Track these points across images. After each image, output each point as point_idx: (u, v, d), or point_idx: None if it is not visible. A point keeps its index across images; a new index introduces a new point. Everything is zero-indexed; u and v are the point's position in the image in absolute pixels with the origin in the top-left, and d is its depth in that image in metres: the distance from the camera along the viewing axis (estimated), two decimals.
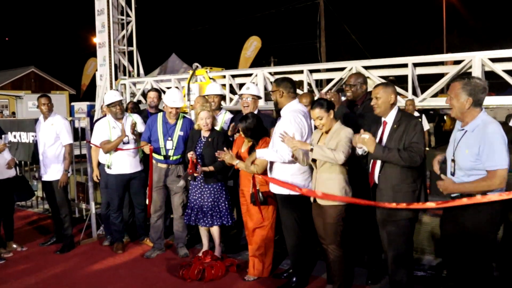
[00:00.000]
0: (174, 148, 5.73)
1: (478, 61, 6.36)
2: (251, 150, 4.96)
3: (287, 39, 36.46)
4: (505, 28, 31.68)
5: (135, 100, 10.42)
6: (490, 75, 6.67)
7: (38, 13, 58.04)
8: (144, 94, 10.65)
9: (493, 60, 6.41)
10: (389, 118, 3.99)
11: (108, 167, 5.99)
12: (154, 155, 5.78)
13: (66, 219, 6.24)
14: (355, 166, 4.50)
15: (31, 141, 7.67)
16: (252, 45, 19.86)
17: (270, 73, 8.30)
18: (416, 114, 7.97)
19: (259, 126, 4.92)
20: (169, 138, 5.70)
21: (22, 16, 50.11)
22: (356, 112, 4.83)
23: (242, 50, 19.88)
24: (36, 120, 6.61)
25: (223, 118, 6.08)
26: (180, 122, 5.82)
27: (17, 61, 37.55)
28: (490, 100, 6.60)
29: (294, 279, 4.79)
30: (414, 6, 37.66)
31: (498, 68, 6.38)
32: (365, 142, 3.84)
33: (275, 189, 4.73)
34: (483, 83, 3.44)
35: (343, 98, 5.22)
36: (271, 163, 4.70)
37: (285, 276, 5.05)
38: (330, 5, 24.21)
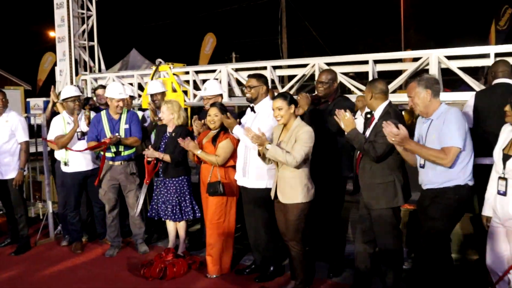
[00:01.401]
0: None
1: (435, 58, 6.55)
2: (213, 141, 4.95)
3: (249, 35, 36.48)
4: (459, 26, 32.80)
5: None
6: (446, 72, 6.92)
7: None
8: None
9: (449, 57, 6.64)
10: (376, 113, 4.13)
11: (65, 164, 5.83)
12: (106, 153, 5.65)
13: (22, 219, 6.01)
14: (328, 157, 4.67)
15: None
16: (209, 42, 20.17)
17: (233, 69, 8.32)
18: (367, 109, 8.21)
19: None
20: (116, 134, 5.58)
21: None
22: (327, 109, 4.83)
23: (201, 46, 20.04)
24: None
25: None
26: (124, 116, 5.72)
27: None
28: (446, 96, 6.83)
29: (271, 268, 4.86)
30: (373, 3, 38.41)
31: (454, 65, 6.61)
32: (344, 120, 3.96)
33: (247, 183, 4.75)
34: (434, 76, 3.75)
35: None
36: (246, 155, 4.71)
37: (248, 272, 5.03)
38: (291, 1, 24.39)
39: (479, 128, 4.64)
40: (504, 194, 3.54)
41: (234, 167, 4.98)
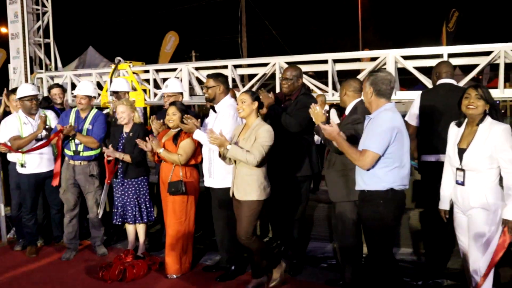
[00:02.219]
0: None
1: (391, 58, 6.72)
2: (174, 140, 4.89)
3: (209, 33, 36.32)
4: (415, 27, 33.77)
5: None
6: (403, 72, 7.12)
7: None
8: (63, 89, 10.18)
9: (405, 57, 6.84)
10: (347, 110, 4.29)
11: (22, 165, 5.61)
12: (66, 151, 5.50)
13: None
14: (290, 156, 4.71)
15: None
16: (171, 40, 19.83)
17: (194, 68, 8.27)
18: (326, 108, 8.39)
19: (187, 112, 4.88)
20: (70, 125, 5.41)
21: None
22: (289, 107, 4.86)
23: (162, 44, 19.72)
24: None
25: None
26: (90, 116, 5.58)
27: None
28: (402, 95, 7.05)
29: (232, 267, 4.83)
30: (332, 3, 38.97)
31: (410, 65, 6.81)
32: (314, 114, 3.97)
33: (213, 183, 4.73)
34: (388, 76, 3.65)
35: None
36: (211, 155, 4.68)
37: (214, 271, 4.99)
38: (251, 0, 24.45)
39: (425, 127, 4.78)
40: (462, 183, 3.66)
41: (195, 166, 4.94)
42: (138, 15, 38.77)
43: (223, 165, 4.57)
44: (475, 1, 33.25)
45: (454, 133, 3.82)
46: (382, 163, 3.55)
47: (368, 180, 3.63)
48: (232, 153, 4.15)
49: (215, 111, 4.78)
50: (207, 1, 28.85)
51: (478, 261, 3.67)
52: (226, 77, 4.85)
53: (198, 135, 4.64)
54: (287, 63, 7.22)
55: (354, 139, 3.90)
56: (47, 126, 5.55)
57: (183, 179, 4.80)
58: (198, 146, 4.86)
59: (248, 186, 4.21)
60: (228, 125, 4.55)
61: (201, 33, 34.86)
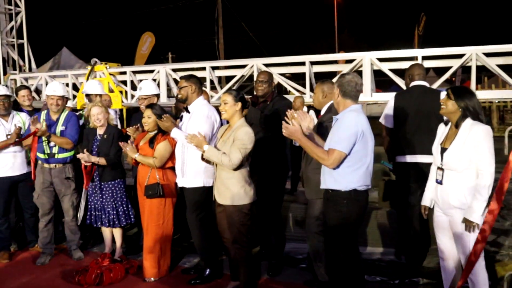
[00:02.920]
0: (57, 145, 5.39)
1: (367, 60, 6.82)
2: (151, 143, 4.84)
3: (185, 35, 36.16)
4: (389, 29, 34.28)
5: None
6: (379, 73, 7.22)
7: None
8: (37, 90, 10.01)
9: (381, 59, 6.94)
10: (322, 111, 4.36)
11: None
12: (39, 154, 5.37)
13: None
14: (267, 156, 4.70)
15: None
16: (147, 41, 19.66)
17: (172, 69, 8.22)
18: (305, 109, 8.44)
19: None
20: (43, 125, 5.28)
21: None
22: (266, 108, 4.90)
23: (138, 45, 19.50)
24: None
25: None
26: (62, 117, 5.48)
27: None
28: (377, 96, 7.16)
29: (207, 271, 4.77)
30: (309, 5, 39.23)
31: (385, 67, 6.92)
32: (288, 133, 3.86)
33: (185, 183, 4.66)
34: (354, 78, 3.72)
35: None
36: (183, 155, 4.61)
37: (192, 273, 4.96)
38: (227, 1, 24.44)
39: (399, 128, 4.84)
40: (440, 182, 3.72)
41: (172, 168, 4.88)
42: (114, 15, 38.31)
43: (195, 164, 4.52)
44: (442, 5, 34.02)
45: (440, 132, 3.88)
46: (346, 162, 3.59)
47: (332, 180, 3.68)
48: (208, 155, 4.10)
49: (188, 112, 4.74)
50: (183, 2, 28.69)
51: (457, 261, 3.73)
52: (198, 78, 4.81)
53: (176, 133, 4.58)
54: (264, 64, 7.25)
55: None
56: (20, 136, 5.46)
57: (160, 182, 4.75)
58: (174, 148, 4.81)
59: (227, 189, 4.14)
60: (202, 125, 4.48)
61: (178, 35, 34.69)
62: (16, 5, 10.47)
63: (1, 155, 5.49)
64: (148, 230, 4.88)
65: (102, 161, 5.14)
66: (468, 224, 3.54)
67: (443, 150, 3.71)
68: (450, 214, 3.69)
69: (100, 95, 6.26)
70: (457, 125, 3.64)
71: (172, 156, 4.83)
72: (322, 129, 4.12)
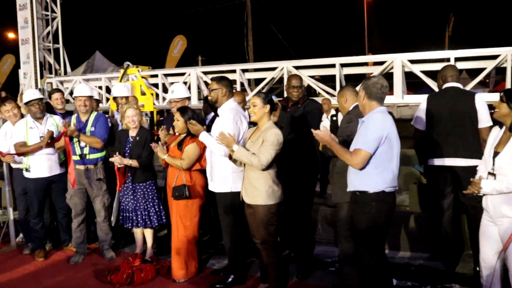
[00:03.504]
0: (87, 145, 5.44)
1: (398, 62, 6.70)
2: (179, 145, 4.86)
3: (215, 38, 36.38)
4: (419, 30, 33.73)
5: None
6: (410, 75, 7.10)
7: None
8: (72, 93, 10.19)
9: (412, 61, 6.82)
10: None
11: (27, 170, 5.59)
12: (72, 156, 5.47)
13: None
14: (298, 159, 4.67)
15: None
16: (178, 44, 19.72)
17: (202, 72, 8.28)
18: (333, 112, 8.37)
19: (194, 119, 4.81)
20: (72, 124, 5.38)
21: None
22: (298, 111, 4.87)
23: (169, 49, 19.62)
24: None
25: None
26: (91, 118, 5.55)
27: None
28: (408, 98, 7.04)
29: (231, 277, 4.74)
30: (338, 7, 38.97)
31: (416, 69, 6.79)
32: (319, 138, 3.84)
33: (214, 187, 4.67)
34: (380, 80, 3.70)
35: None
36: (212, 160, 4.63)
37: (222, 274, 4.96)
38: (256, 4, 24.49)
39: (431, 131, 4.74)
40: None
41: (200, 171, 4.88)
42: (145, 19, 38.91)
43: (223, 169, 4.53)
44: (471, 5, 33.27)
45: (493, 135, 3.74)
46: (372, 163, 3.57)
47: (359, 181, 3.65)
48: (237, 155, 4.10)
49: (217, 115, 4.73)
50: (213, 6, 28.87)
51: (499, 270, 3.58)
52: (229, 80, 4.78)
53: (204, 137, 4.59)
54: (295, 67, 7.22)
55: (349, 140, 3.93)
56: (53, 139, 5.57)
57: (186, 184, 4.77)
58: (203, 151, 4.82)
59: (255, 189, 4.14)
60: (227, 129, 4.43)
61: (207, 38, 34.92)
62: (53, 11, 10.72)
63: (35, 157, 5.59)
64: (175, 232, 4.91)
65: (134, 163, 5.19)
66: None
67: (495, 154, 3.57)
68: (500, 223, 3.52)
69: (127, 97, 6.32)
70: (511, 129, 3.52)
71: (200, 159, 4.84)
72: (343, 131, 4.18)
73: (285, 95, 5.31)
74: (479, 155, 4.40)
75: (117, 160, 5.14)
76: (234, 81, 8.00)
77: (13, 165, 5.88)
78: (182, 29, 23.26)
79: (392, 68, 6.80)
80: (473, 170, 4.41)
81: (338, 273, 4.92)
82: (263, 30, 27.26)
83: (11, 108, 5.80)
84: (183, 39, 19.84)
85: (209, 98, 4.75)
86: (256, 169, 4.08)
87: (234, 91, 7.00)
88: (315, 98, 6.59)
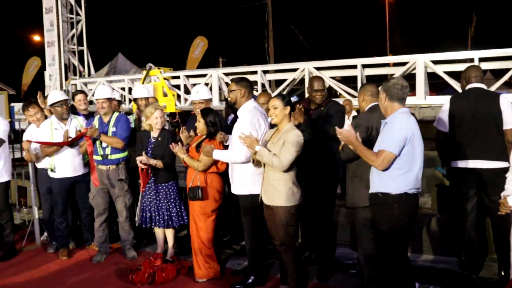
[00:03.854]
0: (109, 146, 5.49)
1: (421, 63, 6.59)
2: (198, 146, 4.87)
3: (235, 39, 36.45)
4: (443, 30, 33.24)
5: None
6: (432, 76, 6.98)
7: None
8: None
9: (435, 62, 6.71)
10: None
11: (52, 170, 5.68)
12: (94, 156, 5.53)
13: (8, 224, 5.85)
14: (320, 161, 4.64)
15: None
16: (199, 46, 19.63)
17: (224, 73, 8.29)
18: (354, 113, 8.29)
19: (216, 123, 4.85)
20: (92, 126, 5.43)
21: None
22: (322, 113, 4.85)
23: (189, 50, 19.61)
24: None
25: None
26: (113, 118, 5.59)
27: None
28: (431, 100, 6.92)
29: (251, 278, 4.73)
30: (358, 7, 38.69)
31: (439, 69, 6.68)
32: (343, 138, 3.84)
33: (234, 189, 4.67)
34: (400, 81, 3.69)
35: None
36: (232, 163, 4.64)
37: (242, 275, 4.95)
38: (277, 5, 24.44)
39: (454, 132, 4.66)
40: None
41: (218, 173, 4.87)
42: (166, 21, 39.22)
43: (242, 172, 4.54)
44: (493, 5, 32.61)
45: None
46: (396, 164, 3.55)
47: (382, 183, 3.62)
48: (259, 155, 4.09)
49: (237, 117, 4.72)
50: (234, 7, 28.92)
51: None
52: (249, 81, 4.75)
53: (217, 154, 4.61)
54: (316, 68, 7.18)
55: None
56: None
57: (201, 185, 4.76)
58: None
59: (275, 191, 4.12)
60: (244, 131, 4.43)
61: (228, 39, 35.01)
62: (77, 14, 10.89)
63: (60, 157, 5.68)
64: (192, 232, 4.92)
65: (159, 163, 5.21)
66: None
67: None
68: None
69: (147, 99, 6.36)
70: None
71: (217, 162, 4.80)
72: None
73: (306, 96, 5.29)
74: (504, 157, 4.33)
75: (143, 159, 5.16)
76: (255, 83, 8.00)
77: (38, 165, 5.97)
78: (203, 30, 23.39)
79: (414, 69, 6.70)
80: (498, 172, 4.34)
81: (359, 275, 4.87)
82: (283, 31, 27.23)
83: (34, 113, 5.92)
84: (204, 40, 19.77)
85: (229, 99, 4.75)
86: (276, 171, 4.07)
87: (259, 91, 7.05)
88: (336, 99, 6.54)
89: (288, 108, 4.16)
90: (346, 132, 3.69)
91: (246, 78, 4.81)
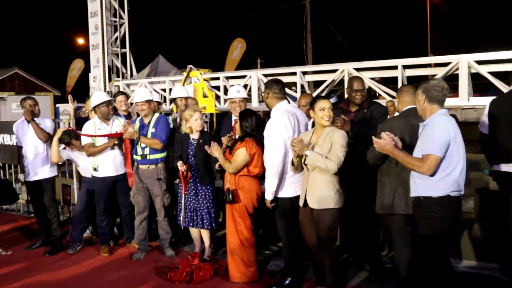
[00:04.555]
0: (148, 146, 5.56)
1: (465, 63, 6.36)
2: (231, 149, 4.87)
3: (273, 40, 36.42)
4: (486, 29, 32.12)
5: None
6: (476, 77, 6.72)
7: (21, 13, 57.10)
8: None
9: (479, 62, 6.46)
10: None
11: (95, 169, 5.81)
12: (134, 156, 5.62)
13: (55, 220, 6.05)
14: (355, 164, 4.50)
15: (15, 143, 7.38)
16: (238, 47, 19.62)
17: (263, 74, 8.27)
18: (396, 114, 8.09)
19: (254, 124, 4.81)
20: (131, 127, 5.53)
21: (5, 16, 49.17)
22: (365, 116, 4.78)
23: (228, 51, 19.63)
24: (18, 122, 6.26)
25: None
26: (153, 119, 5.66)
27: (0, 62, 36.43)
28: (474, 101, 6.67)
29: (288, 280, 4.69)
30: (398, 7, 37.93)
31: (484, 70, 6.43)
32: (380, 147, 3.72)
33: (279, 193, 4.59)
34: (440, 83, 3.62)
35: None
36: None
37: (279, 276, 4.92)
38: (316, 6, 24.23)
39: (493, 135, 4.52)
40: None
41: (254, 176, 4.81)
42: (205, 23, 39.61)
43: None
44: None
45: None
46: (439, 166, 3.45)
47: (424, 186, 3.53)
48: (311, 160, 4.02)
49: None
50: (272, 8, 28.88)
51: None
52: (277, 83, 4.68)
53: (268, 195, 4.55)
54: (356, 69, 7.05)
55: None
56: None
57: (230, 188, 4.74)
58: (252, 157, 4.70)
59: (323, 194, 4.06)
60: (269, 133, 4.46)
61: (266, 40, 35.02)
62: (121, 17, 11.11)
63: (102, 157, 5.80)
64: (228, 234, 4.91)
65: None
66: None
67: None
68: None
69: (186, 98, 6.40)
70: None
71: (249, 165, 4.74)
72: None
73: (345, 96, 5.21)
74: None
75: (182, 166, 5.18)
76: (294, 84, 7.93)
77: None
78: (241, 32, 23.45)
79: (457, 69, 6.48)
80: None
81: (396, 279, 4.75)
82: (322, 32, 27.00)
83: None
84: (242, 42, 19.77)
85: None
86: (324, 173, 4.03)
87: (298, 93, 7.00)
88: (378, 101, 6.41)
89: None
90: (383, 142, 3.60)
91: (276, 80, 4.77)
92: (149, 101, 5.69)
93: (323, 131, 4.13)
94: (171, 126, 6.04)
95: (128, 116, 6.35)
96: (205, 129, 5.66)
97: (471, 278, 4.79)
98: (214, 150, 4.86)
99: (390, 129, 3.97)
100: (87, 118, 6.41)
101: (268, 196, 4.49)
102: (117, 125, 5.91)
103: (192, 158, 5.32)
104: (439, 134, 3.44)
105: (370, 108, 4.78)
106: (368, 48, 33.07)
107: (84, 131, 5.87)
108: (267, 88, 4.67)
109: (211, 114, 8.61)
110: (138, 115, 5.90)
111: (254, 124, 4.75)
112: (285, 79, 6.95)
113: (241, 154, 4.70)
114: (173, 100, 6.43)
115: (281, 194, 4.52)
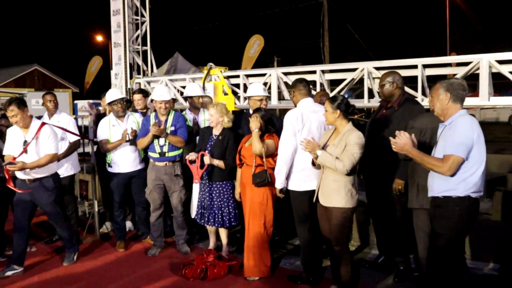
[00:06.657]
0: (167, 144, 5.49)
1: (485, 62, 6.19)
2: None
3: (290, 38, 36.19)
4: (505, 29, 31.40)
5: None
6: (496, 76, 6.54)
7: (41, 11, 57.77)
8: None
9: (500, 62, 6.29)
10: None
11: (109, 165, 5.78)
12: (150, 153, 5.56)
13: (73, 215, 6.02)
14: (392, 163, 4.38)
15: None
16: (255, 44, 19.10)
17: (283, 73, 8.17)
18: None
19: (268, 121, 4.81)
20: (162, 126, 5.44)
21: (25, 13, 49.84)
22: (393, 114, 4.59)
23: (245, 49, 19.18)
24: (40, 118, 6.12)
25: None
26: (170, 117, 5.58)
27: (20, 59, 36.08)
28: (495, 101, 6.48)
29: (305, 276, 4.64)
30: (416, 5, 37.35)
31: (505, 69, 6.25)
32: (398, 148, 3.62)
33: (289, 185, 4.58)
34: (462, 82, 3.55)
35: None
36: None
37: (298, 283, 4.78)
38: (333, 4, 23.93)
39: None
40: None
41: (271, 169, 4.75)
42: (222, 20, 39.55)
43: (292, 171, 4.51)
44: None
45: None
46: (462, 167, 3.37)
47: (444, 186, 3.42)
48: (321, 159, 3.98)
49: None
50: (289, 6, 28.66)
51: None
52: (300, 82, 4.68)
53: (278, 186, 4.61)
54: (375, 68, 6.94)
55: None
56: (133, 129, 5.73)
57: (267, 169, 4.66)
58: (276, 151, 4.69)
59: (334, 192, 4.02)
60: (283, 131, 4.49)
61: (283, 38, 34.82)
62: (142, 16, 11.11)
63: (118, 153, 5.76)
64: (249, 229, 4.81)
65: (220, 163, 5.12)
66: None
67: None
68: None
69: (202, 97, 6.31)
70: None
71: (274, 156, 4.72)
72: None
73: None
74: None
75: (206, 160, 5.09)
76: (313, 82, 7.81)
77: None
78: (258, 30, 23.27)
79: (478, 69, 6.29)
80: None
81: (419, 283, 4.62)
82: (339, 30, 26.70)
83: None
84: (260, 38, 19.13)
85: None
86: (335, 172, 3.97)
87: (318, 91, 6.90)
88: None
89: (338, 111, 4.04)
90: (401, 141, 3.49)
91: (300, 79, 4.75)
92: (168, 101, 5.62)
93: (341, 130, 4.06)
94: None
95: (144, 113, 6.30)
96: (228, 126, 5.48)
97: (489, 279, 4.66)
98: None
99: (420, 126, 3.87)
100: (105, 115, 6.38)
101: (278, 185, 4.53)
102: (132, 121, 5.87)
103: (209, 153, 5.23)
104: (463, 135, 3.34)
105: (403, 106, 4.55)
106: (385, 46, 32.64)
107: (99, 128, 5.85)
108: (292, 87, 4.69)
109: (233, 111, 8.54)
110: (154, 110, 5.84)
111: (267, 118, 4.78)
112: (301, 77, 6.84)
113: (273, 143, 4.76)
114: (188, 98, 6.37)
115: (302, 187, 4.48)
